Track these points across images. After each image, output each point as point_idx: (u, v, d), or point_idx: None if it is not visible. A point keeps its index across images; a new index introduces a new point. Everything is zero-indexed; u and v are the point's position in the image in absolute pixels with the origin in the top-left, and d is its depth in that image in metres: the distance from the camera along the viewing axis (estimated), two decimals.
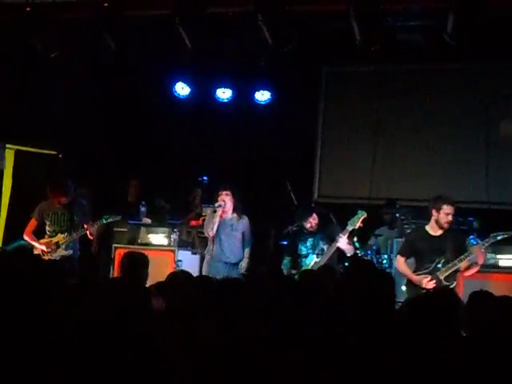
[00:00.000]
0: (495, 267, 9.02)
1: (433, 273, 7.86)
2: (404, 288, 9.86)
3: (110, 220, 9.54)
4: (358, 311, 4.47)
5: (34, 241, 9.37)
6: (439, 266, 7.85)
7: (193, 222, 11.33)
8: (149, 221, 11.35)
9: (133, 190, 11.61)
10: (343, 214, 8.98)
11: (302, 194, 11.29)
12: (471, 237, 9.02)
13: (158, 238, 10.75)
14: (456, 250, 7.95)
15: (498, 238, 8.04)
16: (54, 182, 9.57)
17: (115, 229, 11.00)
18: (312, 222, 8.73)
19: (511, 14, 9.06)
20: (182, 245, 10.65)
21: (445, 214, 7.96)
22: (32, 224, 9.47)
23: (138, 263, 6.50)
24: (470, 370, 3.71)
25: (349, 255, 8.75)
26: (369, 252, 10.21)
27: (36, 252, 9.24)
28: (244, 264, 9.19)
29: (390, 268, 10.25)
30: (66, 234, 9.31)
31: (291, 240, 9.00)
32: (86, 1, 9.53)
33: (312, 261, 8.54)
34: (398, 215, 10.66)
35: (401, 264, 8.20)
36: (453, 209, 7.99)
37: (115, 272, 10.14)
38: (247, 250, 9.29)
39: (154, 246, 10.56)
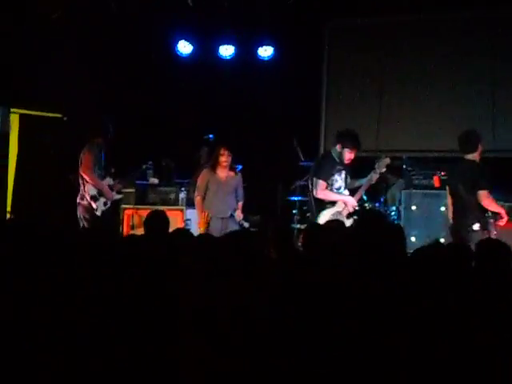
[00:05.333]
0: None
1: None
2: (413, 239, 9.98)
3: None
4: (368, 262, 4.51)
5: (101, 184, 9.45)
6: None
7: None
8: (156, 181, 11.37)
9: None
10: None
11: (308, 149, 11.28)
12: None
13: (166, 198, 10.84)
14: None
15: None
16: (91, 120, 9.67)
17: (123, 189, 11.02)
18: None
19: None
20: (190, 203, 10.68)
21: None
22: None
23: (163, 221, 6.58)
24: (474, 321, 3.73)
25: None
26: (377, 204, 10.21)
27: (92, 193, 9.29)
28: (239, 213, 9.30)
29: (399, 219, 10.30)
30: (111, 178, 9.50)
31: (325, 163, 8.82)
32: None
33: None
34: (404, 167, 10.67)
35: None
36: None
37: (124, 231, 10.21)
38: (240, 204, 9.41)
39: (163, 205, 10.59)
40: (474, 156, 8.05)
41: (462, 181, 8.00)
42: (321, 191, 8.59)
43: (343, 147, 8.71)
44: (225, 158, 9.26)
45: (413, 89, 11.89)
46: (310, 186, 8.75)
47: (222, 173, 9.32)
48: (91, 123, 9.71)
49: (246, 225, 9.34)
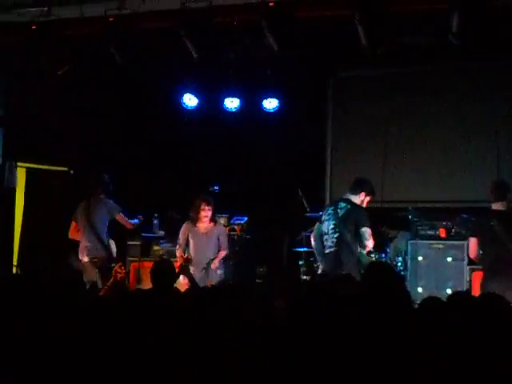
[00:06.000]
0: None
1: None
2: (420, 289, 9.94)
3: None
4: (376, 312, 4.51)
5: None
6: None
7: None
8: (162, 233, 11.40)
9: None
10: None
11: (313, 200, 11.28)
12: None
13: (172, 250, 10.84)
14: None
15: None
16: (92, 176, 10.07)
17: (128, 242, 11.07)
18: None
19: None
20: None
21: None
22: None
23: (169, 271, 6.70)
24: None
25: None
26: (383, 255, 10.18)
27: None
28: (215, 262, 9.47)
29: (406, 270, 10.26)
30: None
31: (361, 210, 8.75)
32: (92, 16, 9.60)
33: None
34: (410, 217, 10.66)
35: None
36: None
37: (131, 284, 10.21)
38: (222, 253, 9.60)
39: (169, 257, 10.56)
40: (502, 205, 8.08)
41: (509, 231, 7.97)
42: (372, 239, 8.64)
43: (366, 195, 8.76)
44: (205, 213, 9.52)
45: (417, 139, 11.93)
46: (349, 235, 8.58)
47: (202, 225, 9.54)
48: (92, 179, 9.91)
49: (219, 272, 9.56)
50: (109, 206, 9.70)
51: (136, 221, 10.10)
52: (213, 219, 9.67)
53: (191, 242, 9.58)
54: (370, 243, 8.54)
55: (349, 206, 8.69)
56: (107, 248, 9.60)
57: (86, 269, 9.37)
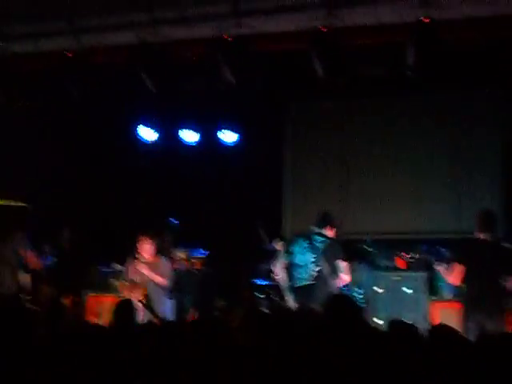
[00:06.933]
0: None
1: None
2: (380, 321, 9.96)
3: None
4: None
5: None
6: None
7: None
8: (119, 267, 11.32)
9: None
10: None
11: (273, 233, 11.27)
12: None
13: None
14: None
15: None
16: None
17: (85, 274, 10.99)
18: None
19: (467, 46, 9.18)
20: None
21: None
22: None
23: (129, 309, 6.58)
24: None
25: None
26: (343, 287, 10.16)
27: None
28: (144, 267, 9.02)
29: (365, 301, 10.27)
30: None
31: (335, 243, 8.84)
32: (49, 51, 9.54)
33: None
34: (370, 249, 10.70)
35: None
36: None
37: (89, 319, 10.09)
38: (160, 278, 9.06)
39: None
40: (490, 235, 7.97)
41: (500, 264, 7.88)
42: (349, 274, 8.71)
43: (332, 228, 8.80)
44: (144, 247, 9.10)
45: (378, 170, 12.02)
46: (329, 269, 8.60)
47: (145, 260, 9.08)
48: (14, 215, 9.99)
49: (169, 304, 9.31)
50: (18, 242, 9.72)
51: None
52: (157, 253, 9.23)
53: (135, 278, 9.05)
54: (346, 277, 8.59)
55: (328, 240, 8.74)
56: (17, 283, 9.61)
57: None
